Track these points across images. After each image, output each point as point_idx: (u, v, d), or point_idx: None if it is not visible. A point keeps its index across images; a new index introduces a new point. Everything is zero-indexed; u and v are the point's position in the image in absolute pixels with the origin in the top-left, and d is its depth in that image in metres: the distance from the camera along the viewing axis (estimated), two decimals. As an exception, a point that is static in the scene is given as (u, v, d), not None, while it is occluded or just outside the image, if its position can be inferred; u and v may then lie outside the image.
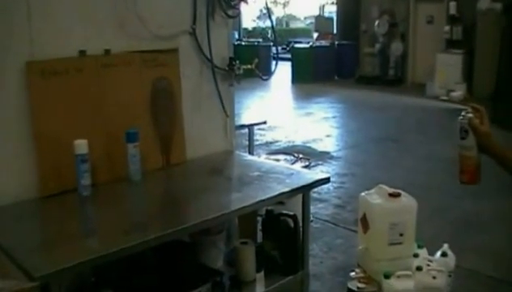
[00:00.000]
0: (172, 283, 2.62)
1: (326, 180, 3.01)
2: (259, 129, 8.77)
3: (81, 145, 2.55)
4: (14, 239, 2.16)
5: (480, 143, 1.98)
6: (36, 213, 2.52)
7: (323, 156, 7.73)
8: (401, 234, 3.44)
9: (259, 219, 3.21)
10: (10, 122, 2.49)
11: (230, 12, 3.27)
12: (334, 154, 7.96)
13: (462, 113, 2.02)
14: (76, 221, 2.52)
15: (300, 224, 2.97)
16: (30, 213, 2.49)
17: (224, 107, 3.33)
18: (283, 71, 17.28)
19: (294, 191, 2.79)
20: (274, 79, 16.95)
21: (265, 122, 5.44)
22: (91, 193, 2.60)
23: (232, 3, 3.25)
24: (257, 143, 8.27)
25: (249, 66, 3.42)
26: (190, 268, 2.76)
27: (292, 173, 3.01)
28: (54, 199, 2.57)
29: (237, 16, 3.40)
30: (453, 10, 13.76)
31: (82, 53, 2.65)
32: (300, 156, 4.86)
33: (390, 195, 3.49)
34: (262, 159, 3.54)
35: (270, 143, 8.54)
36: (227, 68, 3.29)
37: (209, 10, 3.15)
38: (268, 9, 3.90)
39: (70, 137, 2.55)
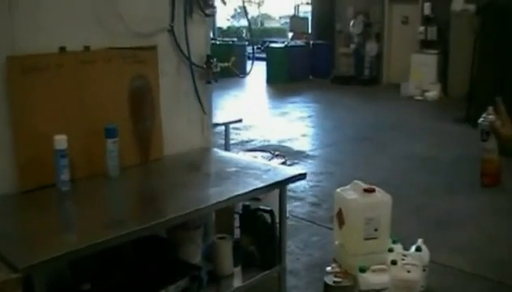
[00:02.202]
0: (150, 278, 2.68)
1: (303, 176, 3.10)
2: (234, 128, 8.82)
3: (60, 140, 2.60)
4: (-4, 233, 2.21)
5: (501, 145, 1.93)
6: (15, 208, 2.57)
7: (299, 156, 7.83)
8: (376, 229, 3.59)
9: (236, 216, 3.29)
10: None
11: (207, 11, 3.35)
12: (310, 153, 8.07)
13: (483, 115, 1.98)
14: (56, 215, 2.58)
15: (277, 219, 3.07)
16: (10, 208, 2.53)
17: (201, 104, 3.41)
18: (258, 71, 17.37)
19: (271, 186, 2.89)
20: (249, 79, 17.12)
21: (240, 120, 5.52)
22: (70, 188, 2.65)
23: (210, 2, 3.34)
24: (232, 142, 8.31)
25: (226, 64, 3.51)
26: (168, 263, 2.83)
27: (269, 169, 3.10)
28: (34, 194, 2.61)
29: (214, 15, 3.47)
30: (427, 11, 14.02)
31: (62, 49, 2.70)
32: (277, 153, 4.96)
33: (365, 190, 3.64)
34: (239, 155, 3.61)
35: (246, 142, 8.62)
36: (204, 66, 3.37)
37: (187, 8, 3.23)
38: (245, 8, 3.98)
39: (50, 132, 2.60)
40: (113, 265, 2.68)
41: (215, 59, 3.40)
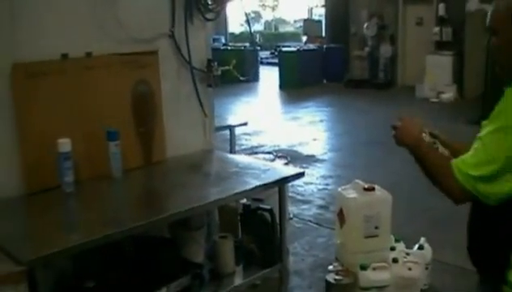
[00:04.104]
0: (152, 276, 2.83)
1: (301, 174, 3.23)
2: (244, 133, 9.00)
3: (64, 143, 2.75)
4: (2, 231, 2.38)
5: None
6: (21, 209, 2.74)
7: (308, 160, 7.95)
8: (376, 227, 3.71)
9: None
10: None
11: (208, 15, 3.51)
12: (320, 157, 8.19)
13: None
14: (60, 215, 2.73)
15: (278, 218, 3.20)
16: (16, 209, 2.70)
17: (202, 107, 3.57)
18: (271, 77, 17.54)
19: (269, 185, 3.01)
20: (261, 84, 17.28)
21: (246, 124, 5.66)
22: (74, 190, 2.80)
23: (210, 7, 3.50)
24: (242, 147, 8.50)
25: (226, 67, 3.67)
26: (171, 262, 2.97)
27: (268, 169, 3.24)
28: (39, 196, 2.77)
29: (215, 19, 3.63)
30: (442, 12, 14.07)
31: (64, 56, 2.87)
32: (280, 154, 5.10)
33: (365, 189, 3.77)
34: (240, 157, 3.77)
35: (256, 147, 8.75)
36: (205, 69, 3.53)
37: (187, 13, 3.39)
38: (247, 18, 4.12)
39: (54, 136, 2.75)
40: (116, 264, 2.84)
41: (215, 63, 3.56)
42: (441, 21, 14.13)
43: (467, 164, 1.82)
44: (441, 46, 14.00)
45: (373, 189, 3.74)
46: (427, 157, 2.03)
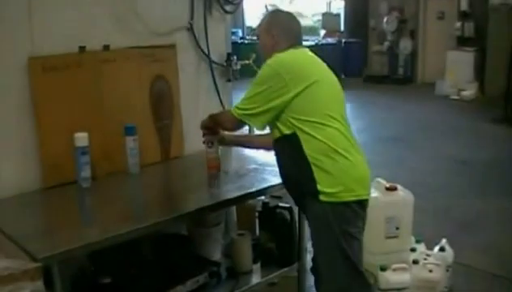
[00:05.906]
0: (169, 273, 2.83)
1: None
2: (260, 129, 8.95)
3: (81, 138, 2.76)
4: (19, 227, 2.39)
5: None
6: (38, 204, 2.75)
7: (327, 157, 7.90)
8: (397, 228, 3.67)
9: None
10: (14, 117, 2.72)
11: (227, 8, 3.49)
12: (339, 154, 8.11)
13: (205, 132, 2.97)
14: (76, 210, 2.75)
15: (297, 216, 3.18)
16: (33, 204, 2.72)
17: (221, 102, 3.55)
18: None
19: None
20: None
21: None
22: (90, 185, 2.81)
23: (230, -1, 3.49)
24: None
25: (246, 62, 3.64)
26: (188, 259, 2.97)
27: (288, 167, 3.21)
28: (55, 191, 2.79)
29: (234, 12, 3.61)
30: (464, 6, 13.85)
31: (81, 49, 2.87)
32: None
33: (387, 188, 3.72)
34: (259, 153, 3.73)
35: (272, 143, 8.71)
36: (224, 63, 3.51)
37: (206, 5, 3.37)
38: (267, 8, 4.11)
39: (71, 131, 2.76)
40: (132, 260, 2.83)
41: (235, 57, 3.54)
42: (463, 16, 13.92)
43: (241, 106, 2.64)
44: (462, 42, 13.79)
45: (396, 189, 3.69)
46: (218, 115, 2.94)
